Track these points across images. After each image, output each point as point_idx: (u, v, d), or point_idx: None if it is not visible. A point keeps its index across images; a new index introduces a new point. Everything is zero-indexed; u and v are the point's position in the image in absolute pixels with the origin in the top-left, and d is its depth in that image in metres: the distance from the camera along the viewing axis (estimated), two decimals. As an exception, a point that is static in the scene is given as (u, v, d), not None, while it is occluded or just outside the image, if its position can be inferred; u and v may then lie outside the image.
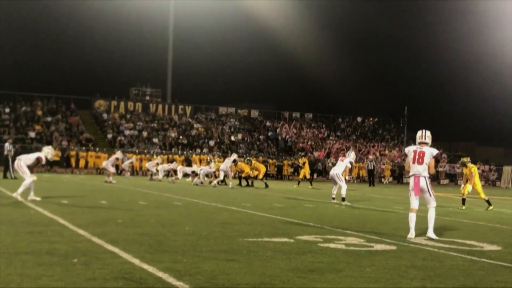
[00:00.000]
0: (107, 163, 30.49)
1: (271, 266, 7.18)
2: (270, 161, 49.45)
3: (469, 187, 19.71)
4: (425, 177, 10.79)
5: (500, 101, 70.36)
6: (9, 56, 67.02)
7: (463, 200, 19.62)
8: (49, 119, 52.56)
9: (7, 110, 52.01)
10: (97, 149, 46.91)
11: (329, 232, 10.76)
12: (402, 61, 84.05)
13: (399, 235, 10.76)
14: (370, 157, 48.58)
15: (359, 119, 70.12)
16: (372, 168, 42.80)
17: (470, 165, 20.02)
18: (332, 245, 9.10)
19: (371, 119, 71.37)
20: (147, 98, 61.21)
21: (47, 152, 16.68)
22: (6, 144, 30.54)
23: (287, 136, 60.68)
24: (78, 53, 73.23)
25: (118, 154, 32.66)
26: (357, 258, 8.01)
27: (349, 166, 19.91)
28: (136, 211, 13.82)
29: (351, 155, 20.37)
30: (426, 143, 11.03)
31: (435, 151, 10.99)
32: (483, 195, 19.73)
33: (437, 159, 59.43)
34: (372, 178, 42.45)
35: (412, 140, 65.82)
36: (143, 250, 8.03)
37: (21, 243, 8.32)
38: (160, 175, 34.22)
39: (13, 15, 68.36)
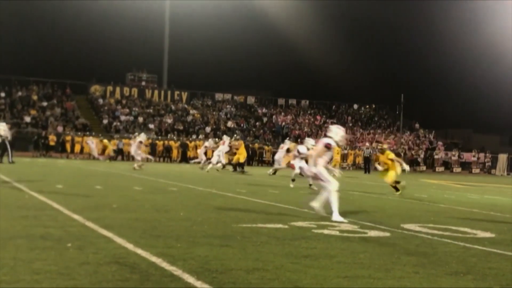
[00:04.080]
0: (135, 150, 29.60)
1: (265, 252, 7.19)
2: (266, 147, 49.47)
3: (394, 172, 18.75)
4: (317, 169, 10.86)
5: (497, 89, 70.48)
6: (4, 40, 66.70)
7: (395, 187, 18.62)
8: (44, 104, 52.42)
9: (3, 94, 51.86)
10: (93, 134, 46.87)
11: (323, 219, 10.78)
12: (399, 49, 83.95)
13: (393, 222, 10.79)
14: (367, 144, 48.63)
15: (355, 106, 70.10)
16: (368, 155, 42.86)
17: (387, 151, 19.33)
18: (326, 231, 9.12)
19: (367, 106, 71.36)
20: (143, 83, 61.09)
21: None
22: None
23: (283, 123, 60.67)
24: (74, 38, 73.03)
25: (142, 137, 31.31)
26: (351, 244, 8.03)
27: (296, 154, 19.86)
28: (131, 197, 13.82)
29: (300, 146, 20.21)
30: (329, 136, 11.09)
31: (327, 141, 10.97)
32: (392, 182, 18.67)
33: (432, 147, 59.55)
34: (368, 165, 42.52)
35: (408, 128, 66.00)
36: (137, 235, 8.04)
37: (15, 227, 8.31)
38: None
39: (7, 0, 67.98)
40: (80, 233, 8.07)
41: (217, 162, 29.95)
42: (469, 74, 72.14)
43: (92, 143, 41.79)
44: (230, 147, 30.27)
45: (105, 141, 42.95)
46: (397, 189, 18.45)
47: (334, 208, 10.71)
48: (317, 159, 10.86)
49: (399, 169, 18.77)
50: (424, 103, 78.20)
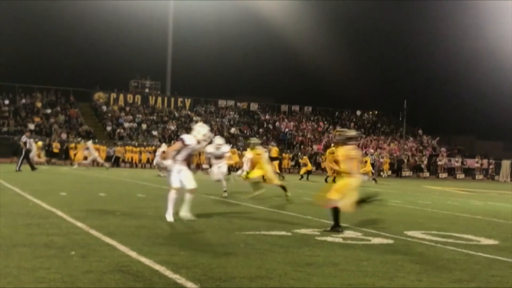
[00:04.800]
0: (159, 159, 30.50)
1: (268, 260, 7.20)
2: (269, 154, 49.48)
3: (261, 171, 17.05)
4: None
5: (500, 95, 70.31)
6: (8, 47, 66.86)
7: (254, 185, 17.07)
8: (48, 111, 52.52)
9: (7, 102, 51.97)
10: (96, 141, 46.92)
11: (327, 226, 10.77)
12: (402, 55, 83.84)
13: (396, 229, 10.78)
14: (371, 150, 48.65)
15: (358, 112, 70.10)
16: (373, 161, 42.81)
17: (258, 148, 17.57)
18: (329, 239, 9.12)
19: (370, 112, 71.34)
20: (147, 90, 61.20)
21: None
22: (23, 137, 30.52)
23: (286, 130, 60.70)
24: (77, 45, 73.08)
25: (164, 146, 32.32)
26: (354, 252, 8.03)
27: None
28: (134, 204, 13.84)
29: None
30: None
31: (182, 136, 11.20)
32: (276, 181, 17.29)
33: (435, 153, 59.48)
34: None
35: (411, 134, 65.94)
36: (141, 243, 8.05)
37: (18, 235, 8.33)
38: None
39: (12, 6, 68.19)
40: (83, 241, 8.08)
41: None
42: (472, 80, 72.03)
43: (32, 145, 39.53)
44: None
45: (39, 143, 41.54)
46: (285, 189, 16.85)
47: (169, 206, 10.72)
48: (171, 155, 10.96)
49: (268, 168, 17.11)
50: (427, 109, 77.95)
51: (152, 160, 40.14)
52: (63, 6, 68.54)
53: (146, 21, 66.02)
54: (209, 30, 69.36)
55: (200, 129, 11.25)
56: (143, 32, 68.47)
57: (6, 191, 16.08)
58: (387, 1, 79.56)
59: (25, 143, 29.64)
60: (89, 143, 38.68)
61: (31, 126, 48.83)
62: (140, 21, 66.83)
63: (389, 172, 50.73)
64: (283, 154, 50.20)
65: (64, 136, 47.76)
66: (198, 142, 11.17)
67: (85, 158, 37.64)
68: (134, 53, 72.41)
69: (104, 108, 56.16)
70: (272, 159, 33.31)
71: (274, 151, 33.25)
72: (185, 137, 11.17)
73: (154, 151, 42.54)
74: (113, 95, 58.09)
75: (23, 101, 53.08)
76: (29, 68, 67.90)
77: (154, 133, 53.30)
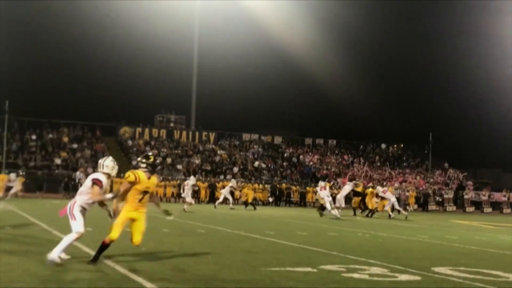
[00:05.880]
0: (187, 192, 30.79)
1: (294, 297, 7.15)
2: (294, 188, 49.34)
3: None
4: (74, 201, 10.18)
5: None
6: (36, 84, 68.09)
7: None
8: (75, 146, 53.14)
9: (34, 137, 52.71)
10: (122, 175, 47.20)
11: (353, 262, 10.69)
12: (427, 87, 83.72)
13: (423, 264, 10.65)
14: (396, 185, 48.23)
15: (383, 145, 69.78)
16: (398, 195, 42.42)
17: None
18: (355, 275, 9.03)
19: (395, 145, 70.96)
20: (172, 125, 61.73)
21: None
22: (77, 173, 30.36)
23: (311, 163, 60.59)
24: (103, 81, 74.09)
25: (192, 180, 32.72)
26: (381, 289, 7.95)
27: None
28: (159, 239, 13.85)
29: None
30: (104, 172, 10.30)
31: (96, 176, 10.18)
32: None
33: (462, 187, 58.80)
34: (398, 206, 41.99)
35: (437, 167, 65.37)
36: (166, 279, 8.06)
37: (46, 271, 8.39)
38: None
39: (39, 44, 69.61)
40: (109, 277, 8.12)
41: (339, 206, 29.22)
42: (498, 112, 71.50)
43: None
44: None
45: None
46: None
47: (61, 246, 9.44)
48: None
49: None
50: (453, 142, 77.39)
51: (177, 194, 42.12)
52: (90, 44, 69.82)
53: (171, 56, 66.94)
54: (233, 65, 70.04)
55: (110, 163, 10.41)
56: (168, 67, 69.36)
57: (33, 227, 16.22)
58: (411, 34, 79.73)
59: (79, 180, 29.66)
60: (13, 175, 38.08)
61: (58, 161, 49.39)
62: (165, 57, 67.78)
63: (415, 206, 50.20)
64: (307, 188, 49.98)
65: (90, 170, 48.14)
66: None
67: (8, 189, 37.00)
68: (159, 88, 73.23)
69: (130, 142, 56.67)
70: (355, 193, 33.82)
71: (361, 187, 34.13)
72: (99, 176, 10.21)
73: (179, 185, 43.06)
74: (139, 129, 58.67)
75: (50, 136, 53.80)
76: (56, 103, 68.94)
77: (179, 167, 53.52)
